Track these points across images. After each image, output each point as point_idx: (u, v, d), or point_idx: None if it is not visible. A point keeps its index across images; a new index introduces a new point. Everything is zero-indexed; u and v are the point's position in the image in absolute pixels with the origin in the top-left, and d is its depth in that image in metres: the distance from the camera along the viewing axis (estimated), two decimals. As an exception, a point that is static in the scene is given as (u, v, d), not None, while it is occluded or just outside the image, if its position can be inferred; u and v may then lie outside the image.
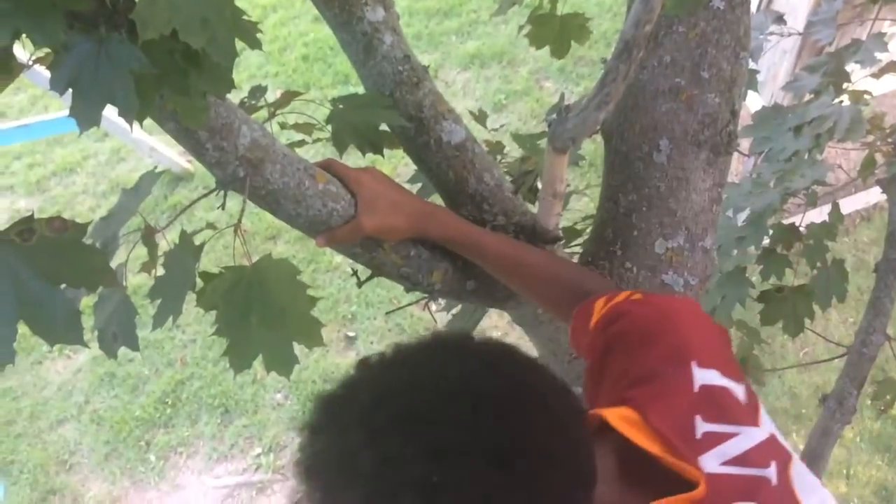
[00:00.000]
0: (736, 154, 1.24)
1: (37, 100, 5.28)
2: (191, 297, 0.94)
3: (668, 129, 1.19)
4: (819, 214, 2.12)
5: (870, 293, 2.07)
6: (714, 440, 0.72)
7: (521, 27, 1.67)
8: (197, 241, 0.96)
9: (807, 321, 1.91)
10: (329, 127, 1.11)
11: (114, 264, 0.83)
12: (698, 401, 0.75)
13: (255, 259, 0.95)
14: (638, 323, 0.85)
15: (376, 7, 1.12)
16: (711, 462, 0.71)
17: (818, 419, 2.23)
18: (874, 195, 4.02)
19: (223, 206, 1.00)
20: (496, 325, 3.76)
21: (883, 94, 3.52)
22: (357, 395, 0.66)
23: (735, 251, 1.96)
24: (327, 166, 1.03)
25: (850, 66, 2.02)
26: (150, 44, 0.68)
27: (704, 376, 0.77)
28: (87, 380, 3.83)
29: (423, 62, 1.17)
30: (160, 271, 0.94)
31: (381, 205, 1.02)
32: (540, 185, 1.18)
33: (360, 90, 1.20)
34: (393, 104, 1.13)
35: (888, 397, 2.23)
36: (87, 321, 0.75)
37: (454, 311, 1.59)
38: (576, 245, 1.56)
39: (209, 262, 3.40)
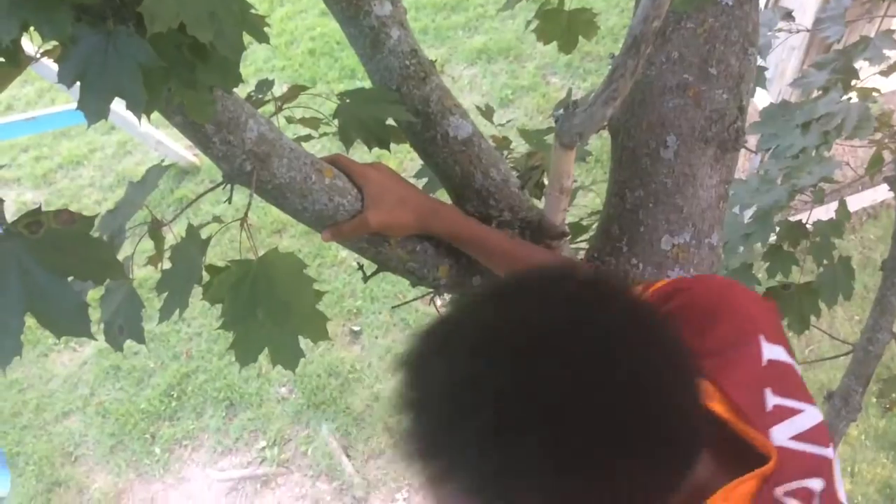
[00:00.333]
0: (743, 151, 1.24)
1: (44, 92, 5.29)
2: (197, 291, 0.95)
3: (675, 125, 1.18)
4: (826, 212, 2.11)
5: (876, 291, 2.07)
6: (783, 413, 0.72)
7: (528, 22, 1.67)
8: (203, 234, 0.96)
9: (812, 318, 1.90)
10: (335, 121, 1.11)
11: (120, 257, 0.83)
12: (767, 374, 0.75)
13: (261, 253, 0.95)
14: (699, 298, 0.82)
15: (384, 1, 1.12)
16: (781, 435, 0.71)
17: (823, 417, 2.22)
18: (881, 192, 4.01)
19: (230, 200, 1.00)
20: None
21: (891, 91, 3.50)
22: (468, 327, 0.61)
23: (741, 248, 1.95)
24: (334, 161, 1.03)
25: (859, 63, 2.02)
26: (157, 37, 0.68)
27: (772, 351, 0.77)
28: (92, 372, 3.84)
29: (430, 57, 1.17)
30: (166, 264, 0.94)
31: (387, 200, 1.02)
32: (546, 181, 1.18)
33: (367, 85, 1.20)
34: (400, 99, 1.13)
35: (893, 395, 2.24)
36: (94, 314, 0.75)
37: (459, 306, 1.59)
38: (582, 241, 1.56)
39: (215, 255, 3.38)
